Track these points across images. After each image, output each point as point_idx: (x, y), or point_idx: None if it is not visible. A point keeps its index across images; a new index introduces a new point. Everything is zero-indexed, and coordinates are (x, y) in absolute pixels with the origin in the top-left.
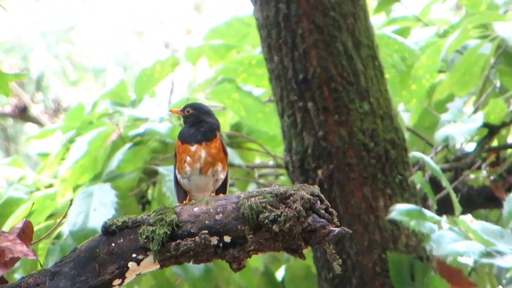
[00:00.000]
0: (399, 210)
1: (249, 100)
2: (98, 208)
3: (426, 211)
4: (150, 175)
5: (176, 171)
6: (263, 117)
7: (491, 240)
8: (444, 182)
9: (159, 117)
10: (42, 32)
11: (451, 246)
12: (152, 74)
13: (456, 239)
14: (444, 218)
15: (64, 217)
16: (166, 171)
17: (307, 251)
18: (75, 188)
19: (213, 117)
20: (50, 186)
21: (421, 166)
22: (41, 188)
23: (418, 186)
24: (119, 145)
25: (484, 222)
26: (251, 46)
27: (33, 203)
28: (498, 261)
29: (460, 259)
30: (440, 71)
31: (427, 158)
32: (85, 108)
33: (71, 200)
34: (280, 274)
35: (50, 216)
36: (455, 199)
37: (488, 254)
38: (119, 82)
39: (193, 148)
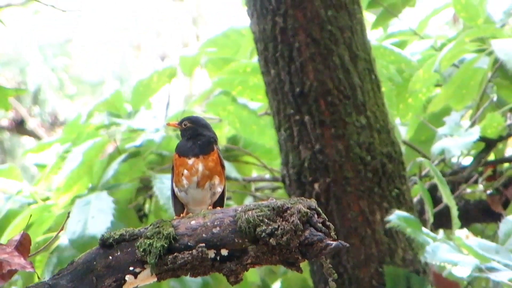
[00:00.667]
0: (398, 215)
1: (244, 113)
2: (96, 215)
3: (423, 229)
4: (147, 188)
5: (174, 184)
6: (258, 129)
7: (487, 255)
8: (446, 195)
9: (155, 128)
10: (39, 45)
11: (446, 256)
12: (149, 84)
13: (451, 251)
14: (440, 233)
15: (62, 229)
16: (160, 177)
17: (304, 264)
18: (73, 200)
19: (210, 130)
20: (47, 199)
21: (417, 181)
22: (38, 200)
23: (415, 200)
24: (115, 158)
25: (480, 239)
26: (246, 58)
27: (31, 215)
28: (493, 276)
29: (455, 273)
30: (437, 85)
31: (434, 167)
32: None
33: (68, 213)
34: (276, 287)
35: (48, 230)
36: (455, 213)
37: (482, 270)
38: (114, 92)
39: (190, 161)
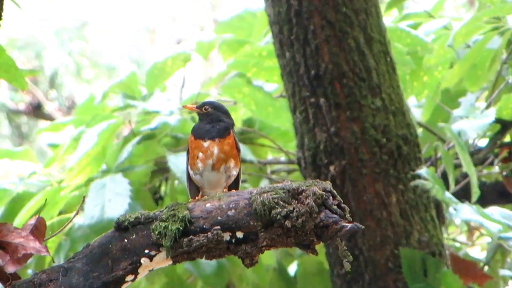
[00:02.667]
0: (426, 171)
1: (260, 95)
2: (113, 198)
3: (446, 193)
4: (162, 170)
5: (189, 167)
6: (273, 112)
7: (509, 223)
8: (466, 162)
9: (170, 110)
10: (55, 29)
11: (472, 216)
12: (164, 68)
13: (475, 213)
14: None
15: (78, 213)
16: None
17: (320, 247)
18: (87, 182)
19: (230, 118)
20: (61, 181)
21: (433, 162)
22: (52, 182)
23: None
24: (130, 140)
25: (501, 208)
26: (260, 40)
27: (46, 199)
28: None
29: (472, 254)
30: (452, 67)
31: (454, 133)
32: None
33: (83, 198)
34: (292, 269)
35: (62, 212)
36: (475, 181)
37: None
38: (129, 74)
39: (206, 144)
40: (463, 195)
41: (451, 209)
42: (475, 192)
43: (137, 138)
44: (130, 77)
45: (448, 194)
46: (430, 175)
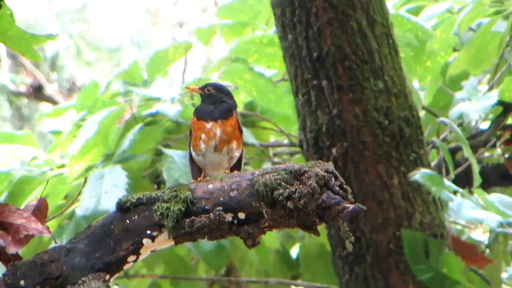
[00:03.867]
0: (423, 173)
1: (261, 81)
2: (110, 190)
3: (446, 181)
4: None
5: (191, 148)
6: (274, 98)
7: (507, 212)
8: (467, 151)
9: (171, 97)
10: (56, 12)
11: (471, 213)
12: (165, 56)
13: (474, 207)
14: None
15: (79, 194)
16: (171, 153)
17: (322, 229)
18: (88, 169)
19: (232, 99)
20: (62, 166)
21: (436, 142)
22: (53, 167)
23: (432, 164)
24: (132, 125)
25: (501, 195)
26: (264, 23)
27: (48, 181)
28: None
29: (474, 236)
30: (455, 50)
31: (456, 127)
32: (99, 86)
33: (86, 178)
34: (294, 252)
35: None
36: (476, 169)
37: (503, 225)
38: (132, 62)
39: (209, 125)
40: (465, 177)
41: (451, 207)
42: (477, 180)
43: (138, 126)
44: (133, 66)
45: (447, 194)
46: (427, 176)
